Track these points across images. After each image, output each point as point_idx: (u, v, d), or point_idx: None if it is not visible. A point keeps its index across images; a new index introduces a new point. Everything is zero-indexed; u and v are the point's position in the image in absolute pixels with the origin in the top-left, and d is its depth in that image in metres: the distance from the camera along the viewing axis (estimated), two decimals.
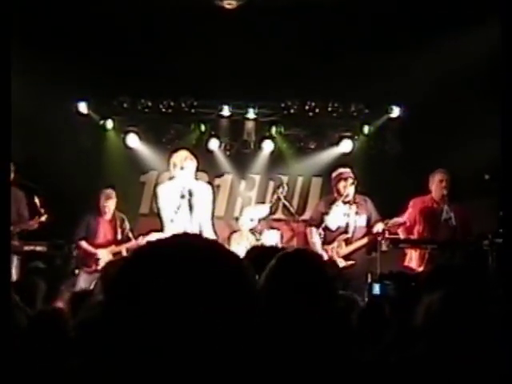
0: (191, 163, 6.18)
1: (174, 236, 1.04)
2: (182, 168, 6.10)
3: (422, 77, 7.83)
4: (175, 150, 6.61)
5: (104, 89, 8.58)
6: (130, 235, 7.45)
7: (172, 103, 8.92)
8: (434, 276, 2.06)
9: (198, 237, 1.07)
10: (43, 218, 7.03)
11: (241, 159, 9.26)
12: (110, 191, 7.67)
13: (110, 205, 7.59)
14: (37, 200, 7.01)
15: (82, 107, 8.79)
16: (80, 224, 7.59)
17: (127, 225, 7.58)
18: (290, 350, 1.76)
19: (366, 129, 9.18)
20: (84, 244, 7.49)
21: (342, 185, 6.80)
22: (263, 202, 9.42)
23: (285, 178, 9.51)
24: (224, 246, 1.09)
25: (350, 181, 6.79)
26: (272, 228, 8.95)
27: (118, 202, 7.70)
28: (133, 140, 8.93)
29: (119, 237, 7.57)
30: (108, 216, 7.62)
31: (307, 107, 9.00)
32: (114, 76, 8.28)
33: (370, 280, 6.09)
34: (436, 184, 6.99)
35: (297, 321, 1.84)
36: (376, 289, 3.27)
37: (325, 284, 1.90)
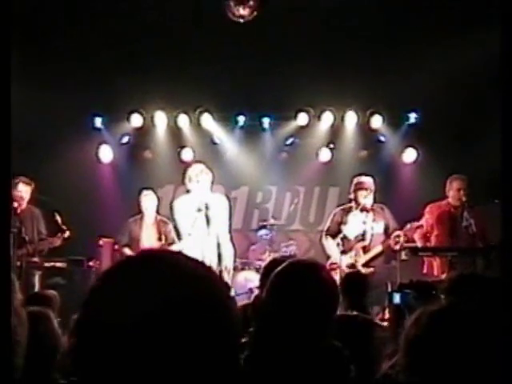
0: (206, 176, 6.17)
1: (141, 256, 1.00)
2: (197, 181, 6.10)
3: (437, 81, 7.79)
4: (190, 164, 6.61)
5: (118, 104, 8.63)
6: (175, 238, 7.13)
7: (185, 115, 8.95)
8: (454, 285, 2.02)
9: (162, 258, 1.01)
10: (66, 235, 7.00)
11: (257, 171, 9.25)
12: (149, 192, 7.49)
13: (150, 206, 7.39)
14: (58, 217, 6.99)
15: (98, 122, 8.86)
16: (122, 230, 7.47)
17: (170, 227, 7.25)
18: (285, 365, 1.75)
19: (381, 137, 9.16)
20: (128, 251, 7.24)
21: (360, 194, 6.75)
22: (280, 213, 9.41)
23: (301, 189, 9.49)
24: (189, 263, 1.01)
25: (370, 191, 6.74)
26: (290, 239, 8.94)
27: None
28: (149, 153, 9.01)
29: (163, 241, 7.29)
30: (150, 219, 7.42)
31: (322, 117, 8.98)
32: (128, 91, 8.33)
33: (390, 289, 6.02)
34: (454, 191, 6.92)
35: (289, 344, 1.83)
36: (396, 298, 3.22)
37: (320, 302, 1.82)
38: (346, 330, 3.18)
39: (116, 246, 7.65)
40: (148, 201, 7.41)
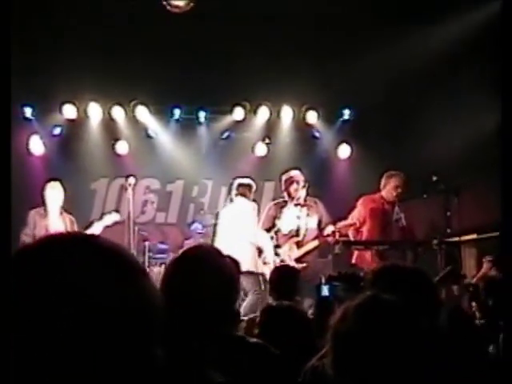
0: None
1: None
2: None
3: (372, 79, 7.93)
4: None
5: (50, 94, 8.40)
6: None
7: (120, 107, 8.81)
8: (377, 276, 2.06)
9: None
10: None
11: (192, 164, 9.19)
12: (56, 184, 6.91)
13: (56, 199, 6.91)
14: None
15: (28, 113, 8.59)
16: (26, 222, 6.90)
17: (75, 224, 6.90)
18: None
19: (316, 132, 9.28)
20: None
21: (293, 188, 6.81)
22: (215, 208, 9.39)
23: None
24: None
25: (302, 184, 6.80)
26: None
27: None
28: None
29: None
30: (55, 213, 6.87)
31: (258, 111, 9.01)
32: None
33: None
34: (391, 187, 7.03)
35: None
36: (325, 290, 3.27)
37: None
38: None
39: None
40: (54, 192, 6.81)
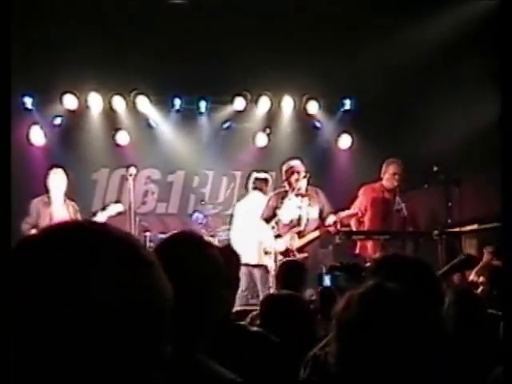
0: None
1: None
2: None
3: (372, 69, 7.92)
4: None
5: (51, 84, 8.37)
6: None
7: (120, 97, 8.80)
8: (378, 266, 2.06)
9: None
10: None
11: (193, 155, 9.18)
12: (59, 170, 6.95)
13: (59, 186, 6.97)
14: None
15: (28, 103, 8.58)
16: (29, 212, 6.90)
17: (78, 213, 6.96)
18: None
19: (317, 123, 9.27)
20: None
21: (294, 178, 6.80)
22: (216, 198, 9.42)
23: (238, 174, 9.50)
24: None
25: (302, 174, 6.79)
26: (225, 224, 8.94)
27: None
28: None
29: None
30: (59, 200, 6.92)
31: (259, 102, 8.99)
32: None
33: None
34: (389, 175, 7.07)
35: None
36: (326, 280, 3.27)
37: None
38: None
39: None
40: (57, 178, 6.85)
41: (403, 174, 7.02)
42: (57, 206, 6.81)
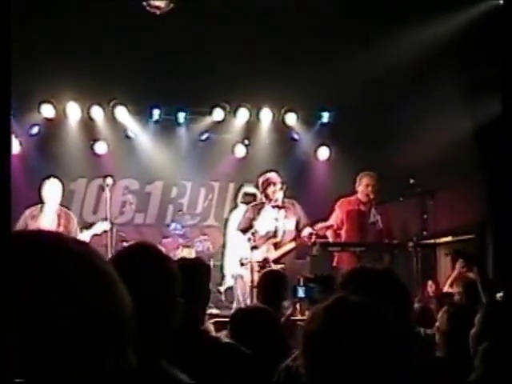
0: None
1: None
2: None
3: (350, 82, 7.99)
4: None
5: (28, 93, 8.33)
6: (78, 231, 6.83)
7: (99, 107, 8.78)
8: (347, 278, 2.10)
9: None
10: None
11: (171, 165, 9.18)
12: (55, 180, 6.94)
13: (54, 195, 6.94)
14: None
15: None
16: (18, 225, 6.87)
17: (74, 221, 6.87)
18: None
19: (295, 134, 9.33)
20: None
21: (270, 190, 6.83)
22: (194, 209, 9.43)
23: (216, 184, 9.52)
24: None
25: (279, 185, 6.83)
26: (204, 235, 8.95)
27: None
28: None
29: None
30: (51, 209, 6.85)
31: (238, 113, 9.03)
32: None
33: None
34: (363, 187, 7.12)
35: None
36: (300, 292, 3.31)
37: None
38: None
39: None
40: (52, 189, 6.81)
41: (377, 185, 7.07)
42: (46, 217, 6.71)
